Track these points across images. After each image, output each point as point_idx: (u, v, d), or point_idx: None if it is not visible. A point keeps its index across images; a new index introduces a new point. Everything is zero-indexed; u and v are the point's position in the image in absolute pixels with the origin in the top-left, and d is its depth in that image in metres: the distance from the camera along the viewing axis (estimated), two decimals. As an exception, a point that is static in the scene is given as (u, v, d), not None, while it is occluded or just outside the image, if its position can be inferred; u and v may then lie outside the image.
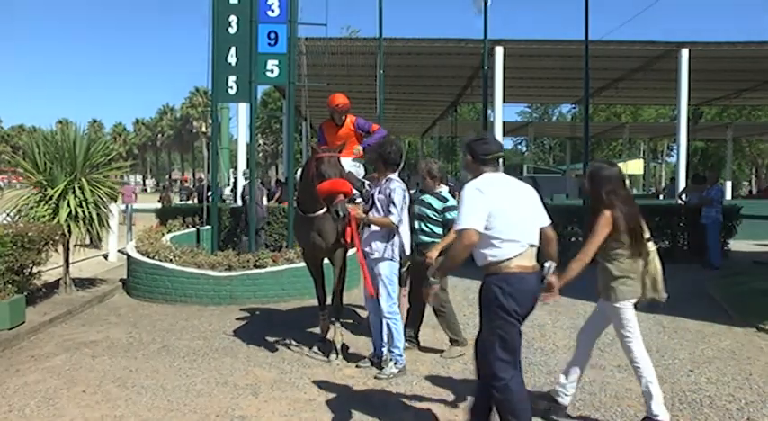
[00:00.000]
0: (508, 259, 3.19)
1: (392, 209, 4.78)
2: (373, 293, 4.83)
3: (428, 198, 5.39)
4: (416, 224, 5.35)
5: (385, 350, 4.95)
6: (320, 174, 4.91)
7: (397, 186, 4.82)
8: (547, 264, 3.45)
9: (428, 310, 5.46)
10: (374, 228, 4.86)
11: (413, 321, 5.58)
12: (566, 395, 4.00)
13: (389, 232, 4.84)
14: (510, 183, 3.37)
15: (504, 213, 3.19)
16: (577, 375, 4.01)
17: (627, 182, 5.03)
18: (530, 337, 5.99)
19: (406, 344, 5.22)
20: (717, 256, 10.53)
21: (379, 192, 4.91)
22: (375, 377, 4.79)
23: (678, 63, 16.39)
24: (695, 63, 16.30)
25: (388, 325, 4.87)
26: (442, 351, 5.46)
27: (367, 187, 5.64)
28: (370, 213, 4.90)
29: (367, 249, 4.89)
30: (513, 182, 3.40)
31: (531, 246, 3.28)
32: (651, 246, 3.82)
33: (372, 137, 6.15)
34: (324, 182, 4.85)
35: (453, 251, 3.24)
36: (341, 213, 4.72)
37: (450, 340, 5.46)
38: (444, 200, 5.35)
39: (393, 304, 4.90)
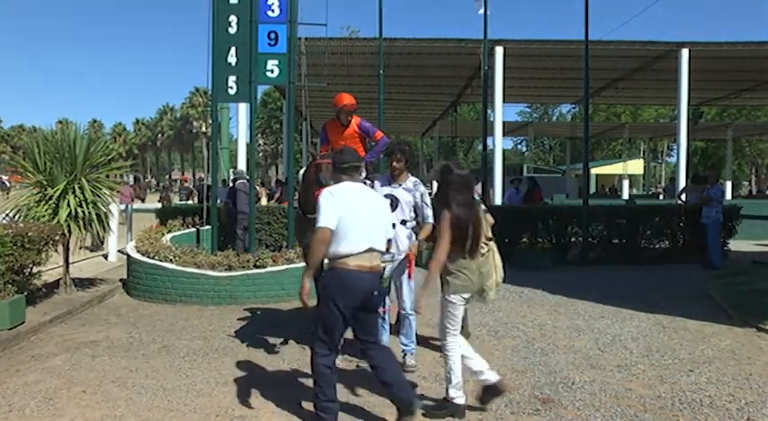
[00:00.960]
0: (345, 257, 3.69)
1: (428, 212, 5.04)
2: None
3: None
4: None
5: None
6: (318, 181, 4.96)
7: (425, 190, 5.08)
8: (384, 264, 3.97)
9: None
10: (399, 228, 4.93)
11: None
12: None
13: (412, 231, 5.04)
14: (362, 192, 3.89)
15: (347, 216, 3.70)
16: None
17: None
18: (530, 337, 6.00)
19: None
20: (717, 256, 10.53)
21: (407, 193, 5.06)
22: (405, 371, 4.86)
23: (678, 63, 16.38)
24: (695, 63, 16.29)
25: (409, 320, 5.02)
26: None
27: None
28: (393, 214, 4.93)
29: (393, 250, 4.90)
30: (367, 192, 3.95)
31: (371, 249, 3.74)
32: (492, 245, 4.16)
33: (375, 148, 6.21)
34: (321, 189, 4.88)
35: (311, 247, 3.74)
36: None
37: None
38: None
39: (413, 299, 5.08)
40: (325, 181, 4.96)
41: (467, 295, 4.04)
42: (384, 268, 3.95)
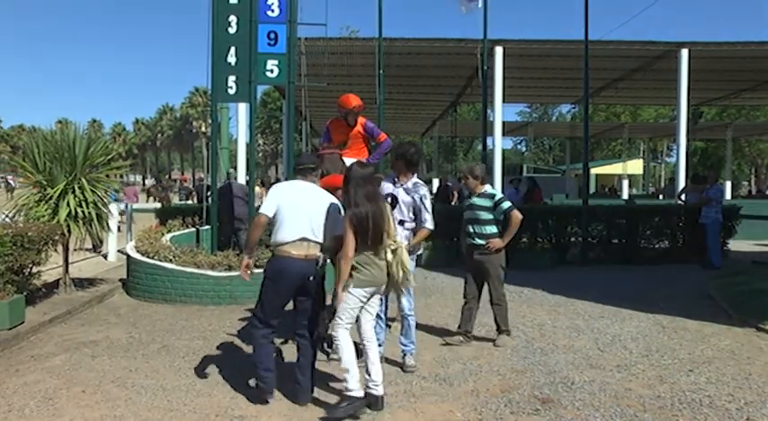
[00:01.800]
0: (282, 244, 4.18)
1: (426, 216, 5.03)
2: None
3: (477, 201, 5.62)
4: (470, 228, 5.66)
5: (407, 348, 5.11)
6: (321, 171, 4.98)
7: (426, 192, 5.09)
8: (319, 254, 4.32)
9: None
10: (398, 229, 4.92)
11: (467, 318, 5.80)
12: (376, 386, 4.14)
13: (412, 232, 5.06)
14: (306, 190, 4.33)
15: (285, 208, 4.19)
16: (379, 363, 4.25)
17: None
18: (529, 337, 6.01)
19: (461, 339, 5.72)
20: (717, 256, 10.54)
21: (406, 194, 5.06)
22: (405, 371, 4.95)
23: (678, 63, 16.36)
24: (695, 63, 16.28)
25: (409, 321, 5.07)
26: (446, 345, 5.68)
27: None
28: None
29: None
30: (312, 191, 4.35)
31: (305, 239, 4.19)
32: (401, 243, 4.31)
33: (378, 150, 6.18)
34: (324, 178, 4.96)
35: (250, 231, 4.38)
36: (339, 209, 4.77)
37: (500, 330, 5.76)
38: (492, 196, 5.61)
39: (412, 300, 5.13)
40: (326, 171, 5.03)
41: (370, 289, 4.13)
42: (320, 257, 4.32)
